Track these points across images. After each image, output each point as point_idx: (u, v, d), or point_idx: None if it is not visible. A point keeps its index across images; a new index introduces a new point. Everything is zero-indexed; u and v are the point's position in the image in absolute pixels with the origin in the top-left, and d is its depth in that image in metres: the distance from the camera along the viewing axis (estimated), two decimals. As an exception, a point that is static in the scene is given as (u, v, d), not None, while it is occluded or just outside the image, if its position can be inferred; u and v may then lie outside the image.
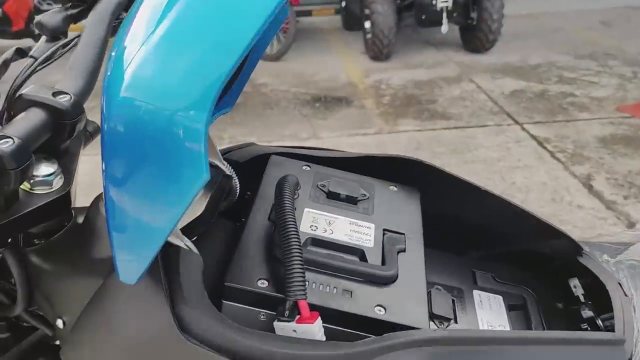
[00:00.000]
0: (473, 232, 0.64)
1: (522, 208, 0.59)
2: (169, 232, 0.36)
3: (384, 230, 0.53)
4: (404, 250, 0.52)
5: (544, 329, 0.57)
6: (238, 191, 0.56)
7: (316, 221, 0.52)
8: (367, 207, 0.56)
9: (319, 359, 0.39)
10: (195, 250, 0.45)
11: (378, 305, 0.45)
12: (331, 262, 0.47)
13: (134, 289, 0.42)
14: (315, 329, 0.41)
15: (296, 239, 0.45)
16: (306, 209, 0.53)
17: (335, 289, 0.46)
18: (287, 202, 0.49)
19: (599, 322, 0.55)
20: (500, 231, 0.63)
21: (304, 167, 0.60)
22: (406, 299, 0.46)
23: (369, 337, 0.45)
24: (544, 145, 2.73)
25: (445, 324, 0.55)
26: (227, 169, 0.54)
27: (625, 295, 0.51)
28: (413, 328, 0.44)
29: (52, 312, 0.54)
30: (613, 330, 0.49)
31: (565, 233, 0.58)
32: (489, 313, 0.57)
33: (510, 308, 0.59)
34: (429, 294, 0.57)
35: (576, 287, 0.57)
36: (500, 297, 0.60)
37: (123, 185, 0.35)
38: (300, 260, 0.43)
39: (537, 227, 0.59)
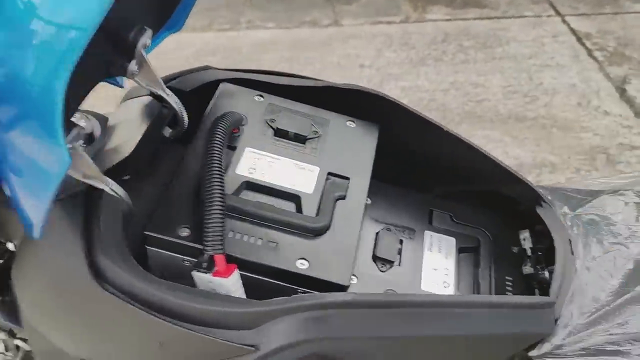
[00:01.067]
0: (434, 170, 0.61)
1: (484, 152, 0.55)
2: (58, 178, 0.34)
3: (329, 174, 0.51)
4: (343, 198, 0.50)
5: (490, 274, 0.56)
6: (186, 120, 0.53)
7: (256, 162, 0.50)
8: (316, 147, 0.53)
9: (215, 315, 0.39)
10: (121, 193, 0.45)
11: (301, 259, 0.45)
12: (258, 212, 0.46)
13: (55, 231, 0.43)
14: (229, 283, 0.42)
15: (218, 187, 0.43)
16: (248, 149, 0.51)
17: (259, 240, 0.45)
18: (216, 143, 0.46)
19: (546, 273, 0.54)
20: (462, 171, 0.60)
21: (256, 98, 0.56)
22: (333, 253, 0.46)
23: (297, 289, 0.45)
24: (582, 42, 2.51)
25: (387, 266, 0.54)
26: (171, 98, 0.51)
27: (572, 254, 0.49)
28: (333, 284, 0.44)
29: (3, 234, 0.56)
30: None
31: (525, 181, 0.55)
32: (436, 256, 0.57)
33: (461, 250, 0.58)
34: (377, 234, 0.56)
35: (525, 239, 0.55)
36: (453, 239, 0.58)
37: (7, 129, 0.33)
38: (220, 211, 0.42)
39: (499, 172, 0.56)
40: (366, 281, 0.52)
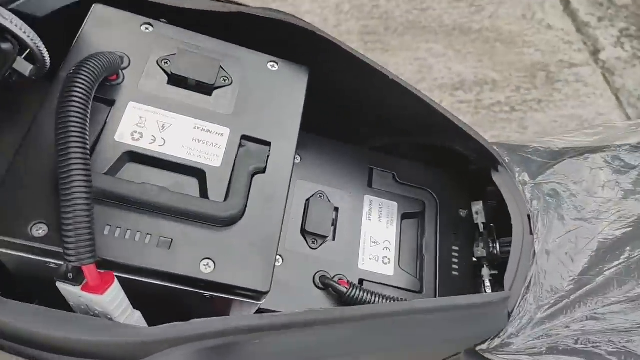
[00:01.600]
0: (375, 120, 0.51)
1: (434, 105, 0.45)
2: None
3: (243, 138, 0.39)
4: (263, 171, 0.39)
5: (435, 244, 0.49)
6: (47, 57, 0.39)
7: (144, 123, 0.37)
8: (226, 99, 0.40)
9: (87, 346, 0.29)
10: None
11: (206, 259, 0.34)
12: (143, 198, 0.34)
13: None
14: (105, 302, 0.31)
15: (79, 169, 0.30)
16: (131, 104, 0.38)
17: (148, 237, 0.34)
18: (75, 103, 0.32)
19: (497, 246, 0.47)
20: (407, 123, 0.50)
21: (144, 28, 0.42)
22: (248, 247, 0.35)
23: (204, 293, 0.35)
24: (531, -54, 2.37)
25: (319, 242, 0.46)
26: (15, 27, 0.36)
27: (531, 233, 0.42)
28: (248, 290, 0.34)
29: None
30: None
31: (479, 140, 0.46)
32: (376, 226, 0.48)
33: (404, 217, 0.50)
34: (307, 202, 0.47)
35: (478, 213, 0.48)
36: (395, 204, 0.50)
37: None
38: (84, 206, 0.30)
39: (451, 127, 0.46)
40: (293, 261, 0.44)
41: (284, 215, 0.37)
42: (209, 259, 0.34)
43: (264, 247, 0.36)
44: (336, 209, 0.48)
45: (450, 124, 0.45)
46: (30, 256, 0.33)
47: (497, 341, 0.39)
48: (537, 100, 1.70)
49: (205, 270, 0.34)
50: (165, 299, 0.36)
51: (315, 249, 0.45)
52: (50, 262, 0.33)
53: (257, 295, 0.35)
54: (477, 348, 0.40)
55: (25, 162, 0.33)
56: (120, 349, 0.29)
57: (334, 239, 0.46)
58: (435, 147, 0.52)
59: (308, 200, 0.47)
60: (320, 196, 0.48)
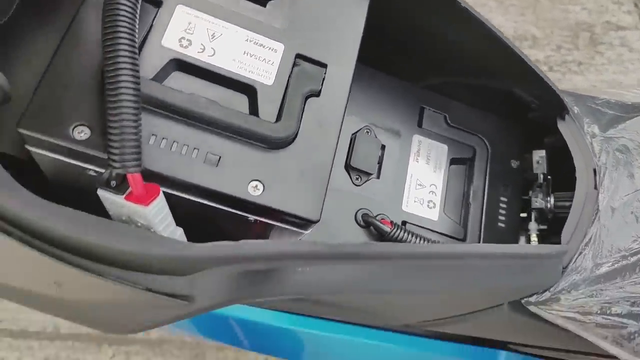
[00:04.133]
0: (433, 54, 0.47)
1: (506, 42, 0.41)
2: None
3: (298, 56, 0.36)
4: (317, 95, 0.36)
5: (483, 194, 0.46)
6: None
7: (192, 30, 0.34)
8: (281, 13, 0.37)
9: (133, 257, 0.28)
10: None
11: (255, 181, 0.32)
12: (194, 109, 0.31)
13: None
14: (149, 214, 0.29)
15: (128, 72, 0.28)
16: (180, 7, 0.34)
17: (196, 151, 0.32)
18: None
19: (551, 200, 0.44)
20: (468, 59, 0.46)
21: None
22: (299, 173, 0.33)
23: (248, 217, 0.33)
24: None
25: (363, 179, 0.43)
26: None
27: (595, 188, 0.39)
28: (298, 217, 0.32)
29: None
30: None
31: (548, 82, 0.42)
32: (423, 168, 0.46)
33: (452, 162, 0.47)
34: (353, 137, 0.44)
35: (539, 162, 0.44)
36: (445, 147, 0.47)
37: None
38: (133, 111, 0.28)
39: (516, 66, 0.42)
40: (335, 197, 0.41)
41: (337, 143, 0.34)
42: (258, 180, 0.32)
43: (316, 175, 0.33)
44: (383, 147, 0.45)
45: (519, 63, 0.42)
46: (69, 160, 0.31)
47: (546, 295, 0.37)
48: (578, 62, 1.62)
49: (254, 192, 0.32)
50: (206, 219, 0.34)
51: (359, 185, 0.43)
52: (89, 169, 0.31)
53: (306, 224, 0.33)
54: (524, 300, 0.38)
55: (66, 60, 0.31)
56: (167, 262, 0.28)
57: (378, 177, 0.44)
58: (492, 91, 0.48)
59: (354, 134, 0.44)
60: (367, 131, 0.45)
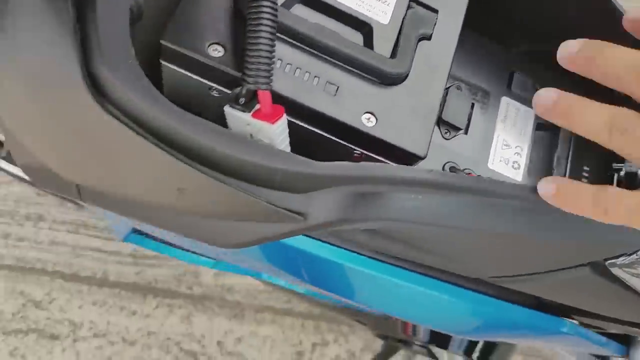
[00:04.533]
0: (533, 17, 0.47)
1: (618, 7, 0.41)
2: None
3: (412, 0, 0.37)
4: (428, 38, 0.37)
5: (567, 161, 0.47)
6: None
7: (317, -34, 0.35)
8: None
9: (259, 170, 0.29)
10: (128, -22, 0.31)
11: (368, 113, 0.33)
12: (319, 39, 0.33)
13: (34, 20, 0.30)
14: (274, 132, 0.31)
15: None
16: (307, -58, 0.36)
17: (316, 79, 0.33)
18: None
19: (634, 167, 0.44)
20: (569, 29, 0.46)
21: None
22: (409, 110, 0.34)
23: (354, 148, 0.35)
24: None
25: (452, 133, 0.44)
26: None
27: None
28: (406, 152, 0.34)
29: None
30: None
31: None
32: (510, 129, 0.46)
33: (538, 127, 0.47)
34: (445, 92, 0.45)
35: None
36: (532, 112, 0.48)
37: None
38: (270, 31, 0.29)
39: (614, 32, 0.42)
40: None
41: (445, 86, 0.36)
42: (371, 113, 0.33)
43: (425, 114, 0.35)
44: (472, 105, 0.46)
45: (617, 27, 0.41)
46: (198, 78, 0.33)
47: (632, 258, 0.38)
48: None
49: (367, 123, 0.33)
50: (312, 150, 0.35)
51: (448, 139, 0.44)
52: (214, 88, 0.33)
53: (413, 159, 0.34)
54: (608, 262, 0.39)
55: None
56: (292, 177, 0.29)
57: (466, 133, 0.45)
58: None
59: (446, 89, 0.45)
60: (459, 87, 0.45)
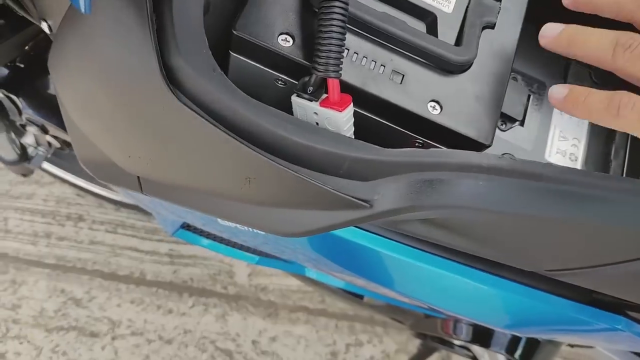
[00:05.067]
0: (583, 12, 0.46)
1: None
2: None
3: None
4: (492, 27, 0.36)
5: (625, 153, 0.46)
6: None
7: (380, -44, 0.36)
8: None
9: (327, 157, 0.30)
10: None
11: (433, 101, 0.33)
12: (386, 27, 0.33)
13: (111, 12, 0.31)
14: (342, 119, 0.31)
15: None
16: None
17: (382, 67, 0.33)
18: None
19: None
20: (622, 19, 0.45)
21: None
22: (474, 99, 0.34)
23: (417, 138, 0.35)
24: None
25: (509, 125, 0.44)
26: None
27: None
28: (471, 140, 0.33)
29: (35, 12, 0.44)
30: None
31: None
32: (566, 121, 0.46)
33: (595, 118, 0.47)
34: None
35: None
36: (588, 103, 0.47)
37: None
38: (342, 22, 0.30)
39: None
40: None
41: (510, 74, 0.35)
42: (436, 102, 0.33)
43: (490, 102, 0.34)
44: (528, 97, 0.45)
45: None
46: (266, 69, 0.33)
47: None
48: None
49: (433, 111, 0.33)
50: (375, 139, 0.35)
51: (504, 130, 0.44)
52: (281, 79, 0.34)
53: (478, 147, 0.34)
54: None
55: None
56: (359, 165, 0.30)
57: (522, 124, 0.44)
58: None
59: (509, 77, 0.45)
60: (515, 78, 0.45)
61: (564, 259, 0.41)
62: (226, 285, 1.22)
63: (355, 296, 0.85)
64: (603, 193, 0.32)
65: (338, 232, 0.46)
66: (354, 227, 0.47)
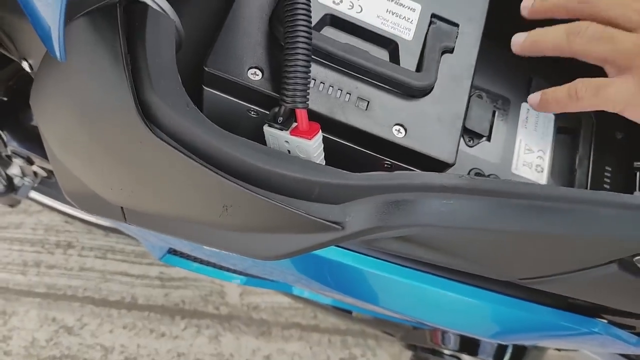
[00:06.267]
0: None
1: None
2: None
3: (433, 16, 0.39)
4: (451, 51, 0.39)
5: (588, 162, 0.48)
6: None
7: (342, -10, 0.38)
8: None
9: (299, 183, 0.31)
10: (168, 8, 0.33)
11: (398, 125, 0.35)
12: (349, 57, 0.35)
13: (87, 52, 0.32)
14: (311, 147, 0.33)
15: (304, 20, 0.32)
16: (331, -30, 0.38)
17: (348, 95, 0.35)
18: None
19: None
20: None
21: None
22: (436, 121, 0.36)
23: (384, 160, 0.37)
24: None
25: (476, 140, 0.46)
26: None
27: None
28: (435, 160, 0.35)
29: (16, 52, 0.46)
30: None
31: None
32: (531, 134, 0.48)
33: (559, 131, 0.49)
34: (467, 101, 0.47)
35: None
36: (552, 116, 0.49)
37: None
38: (306, 53, 0.32)
39: None
40: None
41: (469, 95, 0.37)
42: (400, 125, 0.35)
43: (451, 123, 0.36)
44: (493, 113, 0.47)
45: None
46: (238, 101, 0.35)
47: (661, 252, 0.38)
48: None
49: (397, 134, 0.35)
50: (346, 163, 0.37)
51: (472, 146, 0.46)
52: (252, 110, 0.36)
53: (442, 166, 0.36)
54: (635, 258, 0.40)
55: (242, 10, 0.35)
56: (330, 189, 0.31)
57: (489, 140, 0.46)
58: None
59: (468, 98, 0.47)
60: (480, 96, 0.47)
61: (530, 268, 0.42)
62: (218, 306, 1.22)
63: (344, 311, 0.86)
64: (554, 205, 0.34)
65: (318, 252, 0.48)
66: (334, 246, 0.48)
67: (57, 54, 0.27)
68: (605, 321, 0.54)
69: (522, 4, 0.38)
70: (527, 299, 0.52)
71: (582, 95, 0.34)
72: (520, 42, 0.36)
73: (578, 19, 0.35)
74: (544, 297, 0.53)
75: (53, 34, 0.26)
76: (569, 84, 0.35)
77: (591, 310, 0.54)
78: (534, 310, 0.52)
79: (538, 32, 0.36)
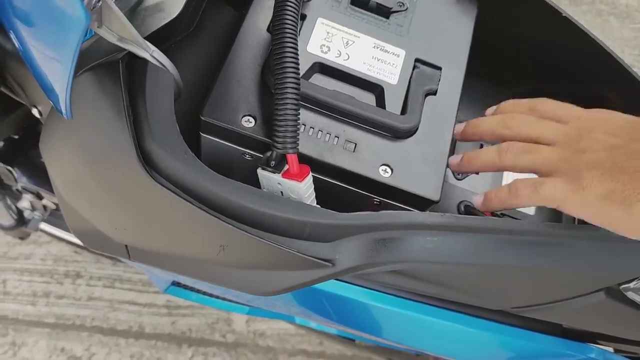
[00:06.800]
0: (530, 60, 0.51)
1: (604, 47, 0.45)
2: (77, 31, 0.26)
3: (417, 60, 0.41)
4: (434, 93, 0.41)
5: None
6: None
7: (330, 38, 0.40)
8: (403, 23, 0.43)
9: (290, 224, 0.33)
10: (166, 63, 0.36)
11: (384, 165, 0.37)
12: (336, 103, 0.37)
13: (92, 104, 0.35)
14: (302, 188, 0.35)
15: (293, 70, 0.34)
16: (320, 20, 0.41)
17: (336, 139, 0.37)
18: (289, 9, 0.36)
19: None
20: (564, 66, 0.50)
21: None
22: (421, 160, 0.38)
23: (373, 197, 0.38)
24: None
25: (464, 174, 0.48)
26: None
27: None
28: (421, 198, 0.37)
29: (27, 99, 0.48)
30: None
31: None
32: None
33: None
34: (453, 137, 0.49)
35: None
36: (538, 148, 0.51)
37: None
38: (295, 101, 0.34)
39: (611, 71, 0.46)
40: None
41: (453, 134, 0.39)
42: (387, 165, 0.37)
43: (436, 162, 0.38)
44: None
45: (614, 66, 0.45)
46: (233, 146, 0.37)
47: (645, 281, 0.40)
48: (650, 81, 1.59)
49: (384, 174, 0.37)
50: (335, 201, 0.39)
51: (461, 179, 0.47)
52: (247, 154, 0.38)
53: (427, 204, 0.37)
54: (622, 287, 0.41)
55: (235, 62, 0.38)
56: (320, 229, 0.33)
57: (477, 173, 0.48)
58: (583, 97, 0.51)
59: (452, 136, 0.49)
60: (467, 132, 0.49)
61: (520, 298, 0.44)
62: (225, 334, 1.23)
63: (347, 340, 0.87)
64: (543, 239, 0.35)
65: (320, 285, 0.50)
66: (333, 279, 0.50)
67: (64, 112, 0.29)
68: (602, 347, 0.55)
69: (451, 160, 0.40)
70: (523, 326, 0.53)
71: (521, 193, 0.35)
72: (457, 162, 0.39)
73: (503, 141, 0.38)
74: (540, 324, 0.54)
75: (61, 99, 0.28)
76: (509, 183, 0.37)
77: (587, 337, 0.54)
78: (530, 337, 0.52)
79: (471, 153, 0.39)
